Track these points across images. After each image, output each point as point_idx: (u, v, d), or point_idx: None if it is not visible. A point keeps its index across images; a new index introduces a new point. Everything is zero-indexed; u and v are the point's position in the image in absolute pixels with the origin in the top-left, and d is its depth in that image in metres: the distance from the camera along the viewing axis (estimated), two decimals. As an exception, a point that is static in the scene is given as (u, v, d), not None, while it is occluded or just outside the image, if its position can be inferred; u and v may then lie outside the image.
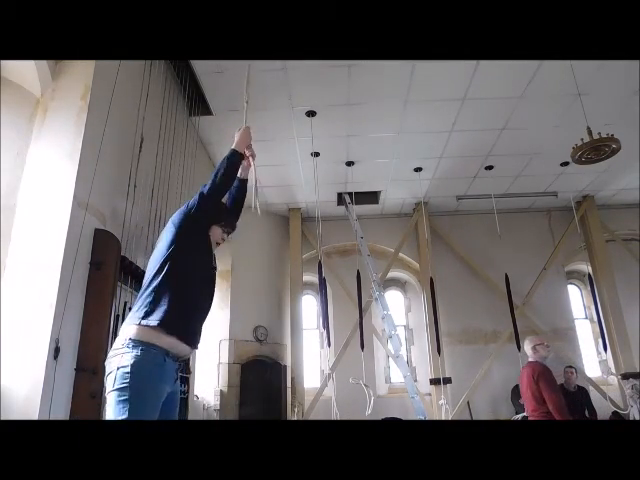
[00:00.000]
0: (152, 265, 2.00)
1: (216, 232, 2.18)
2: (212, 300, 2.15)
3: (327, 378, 6.50)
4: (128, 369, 1.74)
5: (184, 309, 1.92)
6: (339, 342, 6.85)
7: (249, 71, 2.70)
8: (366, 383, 5.31)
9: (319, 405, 6.51)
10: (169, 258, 1.96)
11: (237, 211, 2.38)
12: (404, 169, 6.30)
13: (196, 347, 2.02)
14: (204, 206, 2.08)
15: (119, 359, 1.78)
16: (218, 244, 2.21)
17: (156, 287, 1.91)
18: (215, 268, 2.20)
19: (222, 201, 2.24)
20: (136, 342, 1.79)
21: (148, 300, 1.89)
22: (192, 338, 1.97)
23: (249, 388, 6.17)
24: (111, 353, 1.84)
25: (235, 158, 2.22)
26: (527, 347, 3.96)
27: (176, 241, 2.00)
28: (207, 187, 2.10)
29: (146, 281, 1.98)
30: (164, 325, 1.83)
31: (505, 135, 5.50)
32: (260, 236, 7.05)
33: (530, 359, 3.93)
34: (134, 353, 1.77)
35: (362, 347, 5.96)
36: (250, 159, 2.38)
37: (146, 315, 1.84)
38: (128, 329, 1.85)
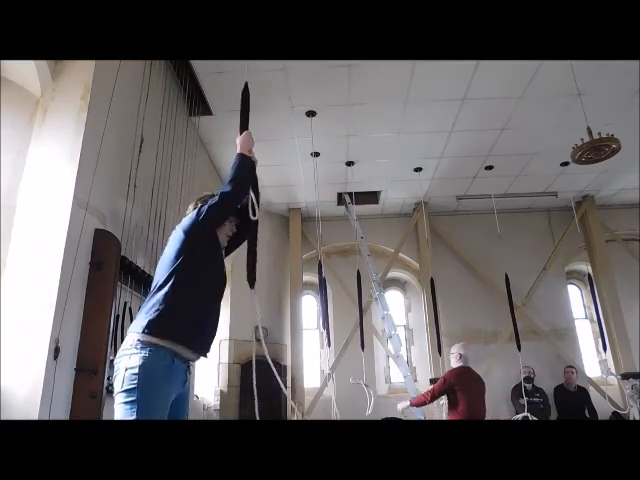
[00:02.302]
0: (160, 272, 1.97)
1: (224, 227, 2.16)
2: (219, 309, 2.14)
3: (327, 378, 6.50)
4: (136, 370, 1.74)
5: (191, 322, 1.90)
6: (339, 342, 6.85)
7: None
8: (366, 383, 5.30)
9: (319, 405, 6.51)
10: (177, 269, 1.92)
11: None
12: (404, 169, 6.30)
13: (205, 355, 2.01)
14: (220, 212, 2.05)
15: (127, 360, 1.78)
16: (228, 236, 2.22)
17: (163, 297, 1.87)
18: (225, 276, 2.19)
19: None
20: (144, 343, 1.79)
21: (155, 309, 1.85)
22: (200, 348, 1.97)
23: (249, 388, 6.15)
24: (119, 354, 1.84)
25: (246, 162, 2.14)
26: (467, 352, 4.12)
27: (185, 251, 1.96)
28: (224, 193, 2.04)
29: (154, 288, 1.94)
30: (170, 338, 1.83)
31: (505, 135, 5.49)
32: (260, 236, 7.03)
33: (468, 364, 4.08)
34: (142, 354, 1.77)
35: (362, 347, 5.96)
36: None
37: (151, 325, 1.82)
38: (135, 331, 1.84)
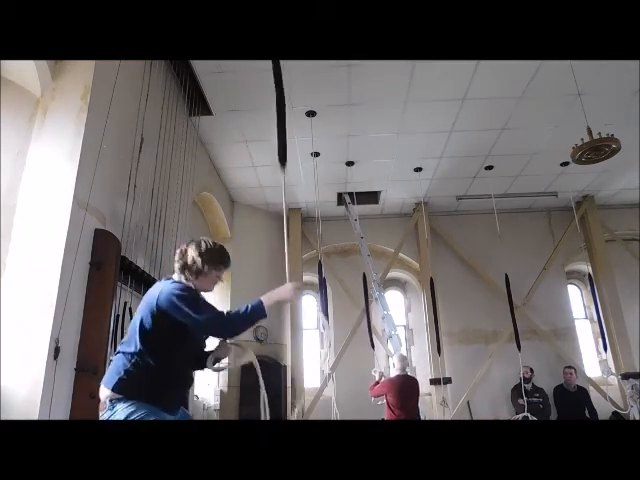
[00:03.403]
0: (132, 331, 1.92)
1: (210, 277, 2.04)
2: (192, 377, 2.11)
3: (327, 378, 6.50)
4: None
5: (157, 390, 1.87)
6: (339, 342, 6.85)
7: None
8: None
9: (319, 405, 6.51)
10: (148, 337, 1.87)
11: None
12: (404, 169, 6.30)
13: (173, 414, 1.94)
14: (205, 330, 1.96)
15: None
16: (214, 284, 2.09)
17: (131, 360, 1.86)
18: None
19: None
20: (116, 400, 1.81)
21: (122, 370, 1.85)
22: (168, 408, 1.91)
23: (249, 388, 6.16)
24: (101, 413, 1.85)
25: (262, 314, 1.89)
26: (402, 362, 4.75)
27: (157, 323, 1.88)
28: (223, 325, 1.88)
29: (125, 343, 1.92)
30: (137, 399, 1.82)
31: (505, 135, 5.49)
32: (260, 236, 7.05)
33: (405, 371, 4.70)
34: (119, 409, 1.79)
35: (372, 346, 6.10)
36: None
37: (119, 386, 1.82)
38: (104, 392, 1.85)
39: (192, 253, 2.01)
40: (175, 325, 1.87)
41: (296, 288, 2.03)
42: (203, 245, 2.04)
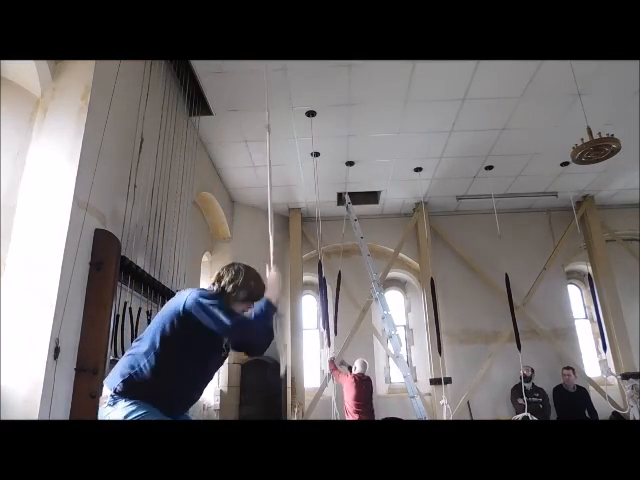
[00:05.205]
0: (150, 332, 1.88)
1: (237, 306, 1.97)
2: (204, 387, 2.08)
3: (327, 378, 6.50)
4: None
5: (164, 395, 1.84)
6: (339, 342, 6.86)
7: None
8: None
9: (319, 405, 6.51)
10: (166, 341, 1.84)
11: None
12: (404, 169, 6.30)
13: (179, 415, 1.93)
14: (236, 339, 1.89)
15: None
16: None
17: (143, 364, 1.82)
18: (223, 353, 2.04)
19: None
20: (118, 396, 1.80)
21: (130, 370, 1.82)
22: (170, 415, 1.87)
23: (249, 388, 6.17)
24: (100, 409, 1.84)
25: (270, 307, 1.94)
26: (361, 366, 5.44)
27: (180, 329, 1.85)
28: (243, 322, 1.87)
29: (138, 343, 1.89)
30: (140, 399, 1.79)
31: (505, 135, 5.49)
32: (260, 236, 7.05)
33: (364, 373, 5.42)
34: (119, 407, 1.77)
35: (332, 330, 6.32)
36: None
37: (123, 386, 1.80)
38: (110, 387, 1.83)
39: (230, 279, 1.99)
40: (199, 333, 1.84)
41: (276, 272, 2.13)
42: (243, 277, 2.01)
